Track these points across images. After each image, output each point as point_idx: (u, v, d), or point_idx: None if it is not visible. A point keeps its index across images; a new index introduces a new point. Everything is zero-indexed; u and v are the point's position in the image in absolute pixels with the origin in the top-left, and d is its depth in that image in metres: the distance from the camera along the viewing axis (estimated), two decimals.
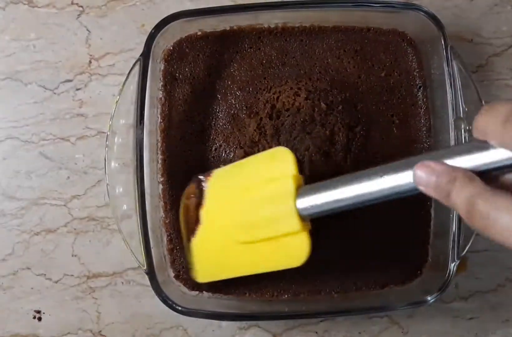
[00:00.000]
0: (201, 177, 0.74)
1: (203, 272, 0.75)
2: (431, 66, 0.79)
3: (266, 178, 0.66)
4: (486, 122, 0.47)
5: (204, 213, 0.72)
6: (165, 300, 0.74)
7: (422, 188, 0.50)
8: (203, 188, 0.73)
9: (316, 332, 0.85)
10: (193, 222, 0.73)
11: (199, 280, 0.75)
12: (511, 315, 0.86)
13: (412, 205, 0.80)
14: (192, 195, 0.74)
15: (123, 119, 0.77)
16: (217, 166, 0.78)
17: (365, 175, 0.56)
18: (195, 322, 0.83)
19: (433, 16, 0.75)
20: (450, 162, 0.49)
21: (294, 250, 0.63)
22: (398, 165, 0.54)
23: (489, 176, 0.49)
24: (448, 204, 0.49)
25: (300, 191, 0.62)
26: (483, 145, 0.48)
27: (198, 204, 0.72)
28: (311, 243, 0.62)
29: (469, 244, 0.75)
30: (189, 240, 0.74)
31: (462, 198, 0.47)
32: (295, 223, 0.61)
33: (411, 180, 0.51)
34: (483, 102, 0.75)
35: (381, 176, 0.54)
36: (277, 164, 0.66)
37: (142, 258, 0.74)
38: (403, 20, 0.79)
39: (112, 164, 0.77)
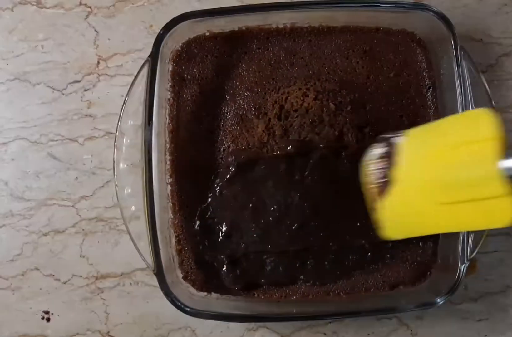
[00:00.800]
0: (389, 136, 0.73)
1: (394, 229, 0.74)
2: (441, 67, 0.79)
3: (468, 138, 0.66)
4: None
5: (399, 172, 0.70)
6: (174, 301, 0.75)
7: None
8: (393, 148, 0.72)
9: (325, 334, 0.86)
10: (384, 182, 0.72)
11: (389, 235, 0.74)
12: None
13: None
14: (380, 158, 0.73)
15: (131, 119, 0.78)
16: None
17: None
18: (203, 323, 0.83)
19: (443, 16, 0.75)
20: None
21: (497, 213, 0.63)
22: None
23: None
24: None
25: (505, 154, 0.61)
26: None
27: (389, 165, 0.72)
28: None
29: (479, 245, 0.75)
30: (377, 200, 0.73)
31: None
32: (498, 187, 0.61)
33: None
34: (493, 103, 0.75)
35: None
36: (479, 125, 0.65)
37: (150, 259, 0.75)
38: (412, 20, 0.79)
39: (121, 165, 0.78)
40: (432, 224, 0.70)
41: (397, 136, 0.72)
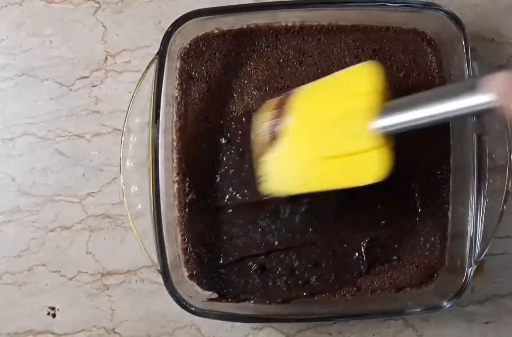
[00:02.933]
0: (280, 96, 0.76)
1: (276, 183, 0.76)
2: (451, 67, 0.80)
3: (350, 91, 0.69)
4: None
5: (285, 127, 0.72)
6: (179, 300, 0.76)
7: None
8: (282, 106, 0.74)
9: (330, 334, 0.87)
10: (269, 136, 0.74)
11: (269, 190, 0.76)
12: None
13: (429, 207, 0.82)
14: (271, 110, 0.75)
15: (138, 117, 0.79)
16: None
17: (444, 94, 0.59)
18: (208, 321, 0.84)
19: (454, 16, 0.75)
20: None
21: (372, 165, 0.65)
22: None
23: None
24: None
25: (383, 107, 0.64)
26: None
27: (277, 121, 0.74)
28: (390, 159, 0.64)
29: (487, 249, 0.76)
30: (262, 154, 0.75)
31: None
32: (372, 139, 0.64)
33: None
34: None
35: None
36: (362, 77, 0.68)
37: (156, 257, 0.76)
38: (423, 20, 0.79)
39: (128, 163, 0.79)
40: (313, 179, 0.73)
41: (289, 92, 0.75)
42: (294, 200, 0.81)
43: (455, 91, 0.58)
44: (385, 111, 0.64)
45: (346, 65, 0.82)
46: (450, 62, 0.80)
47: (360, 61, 0.82)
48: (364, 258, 0.82)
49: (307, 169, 0.73)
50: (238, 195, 0.82)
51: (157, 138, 0.76)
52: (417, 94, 0.63)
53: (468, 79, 0.75)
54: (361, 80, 0.67)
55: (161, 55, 0.77)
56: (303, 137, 0.72)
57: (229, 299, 0.81)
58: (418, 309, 0.78)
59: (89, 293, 0.88)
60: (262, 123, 0.75)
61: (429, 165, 0.82)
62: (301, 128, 0.72)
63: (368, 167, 0.66)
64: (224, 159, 0.82)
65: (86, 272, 0.88)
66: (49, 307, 0.89)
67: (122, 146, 0.79)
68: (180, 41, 0.81)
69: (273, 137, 0.73)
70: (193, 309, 0.77)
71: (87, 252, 0.88)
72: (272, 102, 0.76)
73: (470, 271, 0.76)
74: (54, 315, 0.89)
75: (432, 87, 0.68)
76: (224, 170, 0.82)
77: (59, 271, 0.89)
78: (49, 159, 0.89)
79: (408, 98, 0.63)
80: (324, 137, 0.70)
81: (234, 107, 0.83)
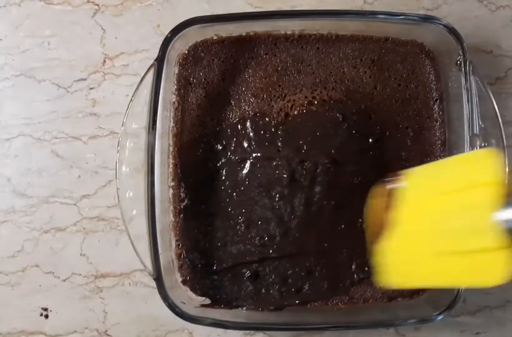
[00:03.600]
0: (390, 178, 0.72)
1: (390, 277, 0.71)
2: (449, 79, 0.81)
3: (471, 181, 0.62)
4: None
5: (399, 214, 0.68)
6: (171, 306, 0.77)
7: None
8: (394, 188, 0.70)
9: None
10: (381, 224, 0.70)
11: (384, 283, 0.71)
12: None
13: None
14: (382, 196, 0.72)
15: (135, 121, 0.79)
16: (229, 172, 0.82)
17: None
18: (200, 326, 0.83)
19: (453, 29, 0.76)
20: None
21: (491, 268, 0.59)
22: None
23: None
24: None
25: (505, 202, 0.57)
26: None
27: (388, 205, 0.70)
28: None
29: None
30: (374, 243, 0.71)
31: None
32: (492, 238, 0.57)
33: None
34: (499, 119, 0.76)
35: None
36: (480, 168, 0.62)
37: (149, 263, 0.77)
38: (422, 32, 0.80)
39: (123, 168, 0.80)
40: (426, 276, 0.68)
41: (398, 178, 0.70)
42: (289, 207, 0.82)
43: None
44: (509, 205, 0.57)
45: (344, 75, 0.83)
46: (448, 74, 0.81)
47: (358, 71, 0.83)
48: (358, 267, 0.83)
49: (419, 265, 0.68)
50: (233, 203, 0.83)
51: (154, 144, 0.77)
52: None
53: None
54: (482, 169, 0.61)
55: (160, 60, 0.77)
56: (414, 230, 0.67)
57: (222, 306, 0.82)
58: (410, 321, 0.78)
59: (82, 295, 0.89)
60: (373, 211, 0.73)
61: None
62: (412, 220, 0.68)
63: (491, 268, 0.59)
64: (219, 165, 0.83)
65: (80, 274, 0.89)
66: (42, 308, 0.90)
67: (118, 150, 0.79)
68: (179, 47, 0.82)
69: (385, 226, 0.69)
70: (186, 315, 0.77)
71: (81, 254, 0.89)
72: (382, 187, 0.73)
73: None
74: (46, 316, 0.90)
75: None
76: (219, 176, 0.83)
77: (53, 273, 0.89)
78: (45, 160, 0.89)
79: None
80: (441, 230, 0.64)
81: (231, 114, 0.83)
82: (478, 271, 0.61)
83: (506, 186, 0.58)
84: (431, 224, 0.65)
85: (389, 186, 0.71)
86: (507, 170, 0.63)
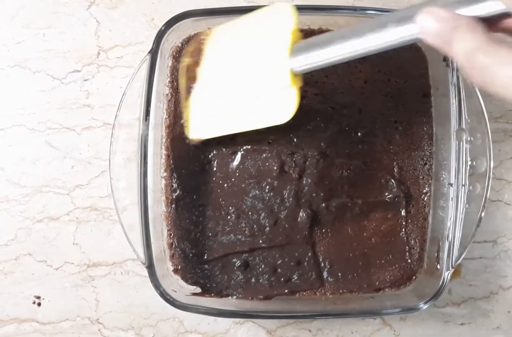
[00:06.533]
0: (201, 36, 0.81)
1: (197, 129, 0.81)
2: (438, 75, 0.84)
3: (265, 33, 0.72)
4: None
5: (202, 70, 0.78)
6: (163, 294, 0.80)
7: (424, 36, 0.52)
8: (202, 46, 0.79)
9: (310, 330, 0.92)
10: (192, 80, 0.80)
11: (191, 136, 0.82)
12: (502, 322, 0.92)
13: (410, 213, 0.87)
14: (192, 54, 0.80)
15: (129, 112, 0.82)
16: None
17: (366, 28, 0.59)
18: (191, 314, 0.86)
19: None
20: (455, 10, 0.51)
21: (284, 105, 0.69)
22: (400, 13, 0.56)
23: (493, 22, 0.52)
24: (449, 53, 0.51)
25: (296, 47, 0.67)
26: None
27: (197, 62, 0.79)
28: (299, 99, 0.68)
29: (465, 253, 0.80)
30: (186, 98, 0.80)
31: (462, 49, 0.49)
32: (285, 78, 0.67)
33: (413, 31, 0.54)
34: (485, 114, 0.79)
35: (382, 27, 0.57)
36: (277, 20, 0.71)
37: (142, 252, 0.80)
38: None
39: (117, 158, 0.83)
40: (229, 122, 0.77)
41: (206, 35, 0.80)
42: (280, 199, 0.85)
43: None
44: (299, 49, 0.66)
45: (335, 69, 0.85)
46: (436, 70, 0.84)
47: (349, 66, 0.86)
48: None
49: (223, 112, 0.77)
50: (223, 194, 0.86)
51: (147, 135, 0.79)
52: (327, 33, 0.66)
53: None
54: (282, 17, 0.70)
55: (154, 52, 0.80)
56: (219, 79, 0.76)
57: (212, 294, 0.85)
58: (397, 310, 0.81)
59: (75, 283, 0.92)
60: (183, 65, 0.80)
61: (412, 170, 0.86)
62: (217, 70, 0.77)
63: (281, 107, 0.70)
64: (211, 157, 0.86)
65: (72, 263, 0.92)
66: (35, 296, 0.93)
67: (112, 140, 0.82)
68: (173, 39, 0.84)
69: (193, 81, 0.79)
70: (176, 303, 0.80)
71: (74, 243, 0.92)
72: (192, 43, 0.82)
73: (447, 274, 0.80)
74: (39, 304, 0.93)
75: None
76: (211, 168, 0.86)
77: (46, 261, 0.92)
78: (39, 150, 0.92)
79: (324, 35, 0.65)
80: (239, 76, 0.74)
81: None
82: (273, 109, 0.71)
83: (295, 34, 0.68)
84: (231, 72, 0.75)
85: (198, 44, 0.81)
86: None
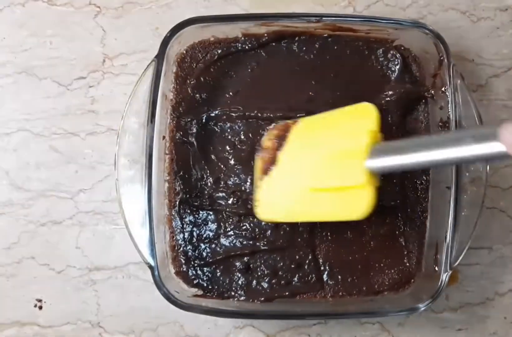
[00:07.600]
0: (288, 122, 0.83)
1: (267, 210, 0.83)
2: (434, 83, 0.86)
3: (346, 130, 0.75)
4: None
5: (282, 155, 0.80)
6: (166, 294, 0.81)
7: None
8: (287, 133, 0.82)
9: (309, 335, 0.93)
10: (269, 162, 0.82)
11: (260, 217, 0.83)
12: (498, 328, 0.93)
13: (409, 217, 0.88)
14: (274, 137, 0.83)
15: (134, 117, 0.85)
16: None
17: (444, 141, 0.62)
18: (191, 319, 0.90)
19: (438, 35, 0.82)
20: None
21: (358, 203, 0.72)
22: (476, 131, 0.59)
23: None
24: None
25: (374, 148, 0.70)
26: None
27: (278, 147, 0.82)
28: (375, 198, 0.71)
29: (462, 255, 0.81)
30: (261, 179, 0.82)
31: None
32: (361, 177, 0.70)
33: (495, 148, 0.56)
34: (482, 121, 0.82)
35: (461, 144, 0.59)
36: (359, 119, 0.75)
37: (146, 252, 0.81)
38: (409, 37, 0.86)
39: (122, 161, 0.84)
40: (302, 210, 0.80)
41: (294, 122, 0.82)
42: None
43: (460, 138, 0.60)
44: (377, 151, 0.69)
45: (335, 77, 0.89)
46: (433, 77, 0.86)
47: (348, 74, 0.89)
48: None
49: (293, 199, 0.79)
50: (227, 200, 0.88)
51: (152, 137, 0.82)
52: (409, 140, 0.69)
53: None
54: (365, 118, 0.74)
55: (159, 58, 0.83)
56: (297, 167, 0.79)
57: (214, 296, 0.87)
58: (395, 311, 0.83)
59: (76, 287, 0.93)
60: (264, 148, 0.83)
61: (410, 176, 0.89)
62: (296, 158, 0.79)
63: (355, 204, 0.72)
64: (214, 161, 0.88)
65: (74, 267, 0.93)
66: (36, 300, 0.94)
67: (118, 143, 0.84)
68: (178, 46, 0.87)
69: (271, 163, 0.81)
70: (179, 303, 0.81)
71: (76, 247, 0.94)
72: (278, 127, 0.83)
73: (445, 276, 0.81)
74: (40, 307, 0.93)
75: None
76: (213, 173, 0.88)
77: (48, 265, 0.94)
78: (43, 155, 0.94)
79: (404, 141, 0.69)
80: (317, 170, 0.76)
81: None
82: (346, 206, 0.74)
83: (375, 135, 0.72)
84: (309, 164, 0.78)
85: (284, 124, 0.83)
86: None
